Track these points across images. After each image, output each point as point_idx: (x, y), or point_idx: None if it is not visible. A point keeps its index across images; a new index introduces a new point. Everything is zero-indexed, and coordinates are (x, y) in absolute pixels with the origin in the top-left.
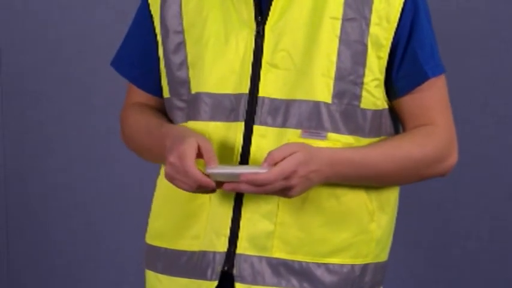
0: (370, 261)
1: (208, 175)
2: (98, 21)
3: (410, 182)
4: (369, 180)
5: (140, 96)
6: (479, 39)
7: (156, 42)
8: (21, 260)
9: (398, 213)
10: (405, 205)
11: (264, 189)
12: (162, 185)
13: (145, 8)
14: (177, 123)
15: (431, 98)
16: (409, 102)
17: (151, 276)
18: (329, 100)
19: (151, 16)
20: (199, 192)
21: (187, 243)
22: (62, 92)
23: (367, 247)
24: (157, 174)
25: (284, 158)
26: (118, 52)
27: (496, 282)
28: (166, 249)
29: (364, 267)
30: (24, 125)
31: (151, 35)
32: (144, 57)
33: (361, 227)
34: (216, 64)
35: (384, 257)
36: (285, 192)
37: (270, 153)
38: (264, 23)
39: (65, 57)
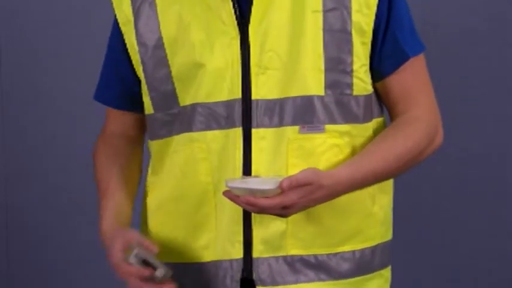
0: (378, 242)
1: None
2: (98, 21)
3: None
4: (368, 186)
5: (117, 120)
6: (479, 38)
7: (128, 60)
8: (21, 260)
9: (398, 213)
10: (405, 205)
11: (261, 212)
12: (156, 199)
13: (115, 28)
14: (161, 138)
15: (413, 77)
16: (392, 83)
17: None
18: (322, 92)
19: (122, 35)
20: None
21: (197, 255)
22: (62, 92)
23: (373, 229)
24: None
25: (296, 186)
26: (99, 81)
27: (496, 282)
28: (174, 264)
29: (374, 249)
30: (24, 125)
31: (122, 53)
32: (118, 77)
33: (366, 211)
34: (205, 74)
35: (389, 235)
36: (280, 214)
37: (289, 179)
38: (247, 26)
39: (65, 57)
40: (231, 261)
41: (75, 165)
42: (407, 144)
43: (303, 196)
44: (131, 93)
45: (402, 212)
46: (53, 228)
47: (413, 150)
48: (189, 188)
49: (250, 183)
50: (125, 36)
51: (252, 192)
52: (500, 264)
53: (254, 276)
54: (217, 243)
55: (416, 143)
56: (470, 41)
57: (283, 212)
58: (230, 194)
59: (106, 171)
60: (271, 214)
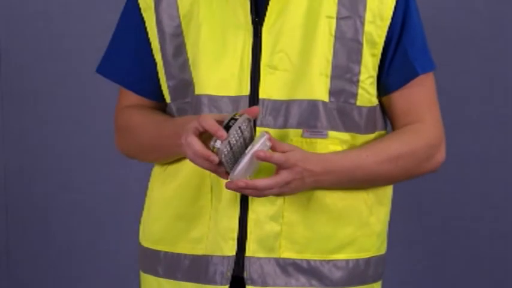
0: (373, 255)
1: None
2: (98, 21)
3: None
4: (360, 184)
5: (135, 98)
6: (479, 39)
7: (149, 46)
8: (21, 260)
9: (399, 213)
10: (405, 205)
11: (264, 193)
12: (159, 188)
13: (135, 13)
14: None
15: (420, 94)
16: (398, 98)
17: (150, 280)
18: (326, 98)
19: (143, 21)
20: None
21: (189, 247)
22: (62, 92)
23: (369, 241)
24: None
25: (284, 151)
26: (106, 58)
27: (496, 282)
28: (166, 252)
29: (368, 261)
30: (24, 125)
31: (144, 39)
32: (138, 62)
33: (362, 221)
34: (215, 67)
35: (383, 249)
36: (281, 190)
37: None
38: (261, 25)
39: (65, 57)
40: (222, 257)
41: (75, 165)
42: (403, 148)
43: (299, 160)
44: (150, 79)
45: (402, 213)
46: (53, 228)
47: (409, 157)
48: (188, 179)
49: (246, 156)
50: (147, 23)
51: (253, 161)
52: (501, 265)
53: (245, 274)
54: (210, 238)
55: (413, 151)
56: (472, 43)
57: (290, 177)
58: (233, 184)
59: (146, 116)
60: (283, 181)
